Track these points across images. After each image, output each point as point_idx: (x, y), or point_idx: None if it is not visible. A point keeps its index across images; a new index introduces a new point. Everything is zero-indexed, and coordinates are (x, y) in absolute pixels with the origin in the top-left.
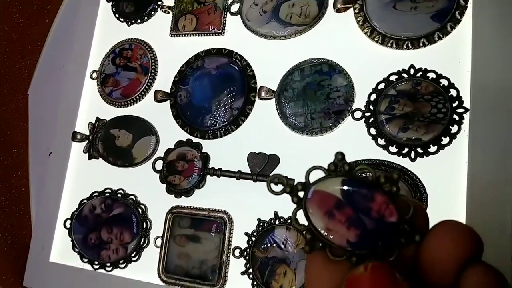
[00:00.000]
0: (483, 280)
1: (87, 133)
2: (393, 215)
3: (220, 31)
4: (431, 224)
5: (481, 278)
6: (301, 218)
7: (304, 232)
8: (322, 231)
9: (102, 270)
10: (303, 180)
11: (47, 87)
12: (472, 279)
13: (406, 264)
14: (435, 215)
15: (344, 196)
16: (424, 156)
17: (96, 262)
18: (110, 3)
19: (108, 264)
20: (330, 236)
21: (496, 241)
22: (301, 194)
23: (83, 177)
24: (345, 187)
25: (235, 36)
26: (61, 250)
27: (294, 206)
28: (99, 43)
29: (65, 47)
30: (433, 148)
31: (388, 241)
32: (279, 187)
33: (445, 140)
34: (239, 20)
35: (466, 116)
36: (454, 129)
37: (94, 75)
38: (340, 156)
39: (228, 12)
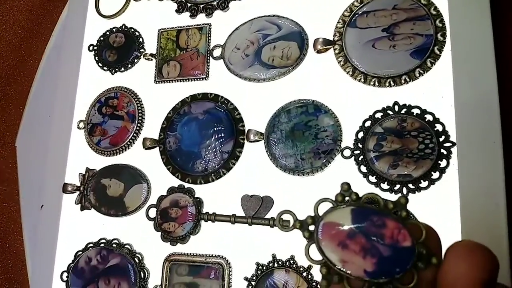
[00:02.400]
0: None
1: (78, 184)
2: (407, 239)
3: (204, 76)
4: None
5: None
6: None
7: (320, 267)
8: (337, 264)
9: None
10: (312, 214)
11: (34, 138)
12: None
13: None
14: None
15: (355, 225)
16: (416, 191)
17: None
18: (93, 52)
19: None
20: (346, 268)
21: None
22: (311, 228)
23: (77, 228)
24: (355, 216)
25: (220, 80)
26: None
27: (294, 244)
28: (84, 92)
29: (50, 97)
30: (424, 184)
31: (406, 267)
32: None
33: (435, 175)
34: (222, 64)
35: (454, 150)
36: (443, 163)
37: (81, 124)
38: (346, 186)
39: (211, 57)
